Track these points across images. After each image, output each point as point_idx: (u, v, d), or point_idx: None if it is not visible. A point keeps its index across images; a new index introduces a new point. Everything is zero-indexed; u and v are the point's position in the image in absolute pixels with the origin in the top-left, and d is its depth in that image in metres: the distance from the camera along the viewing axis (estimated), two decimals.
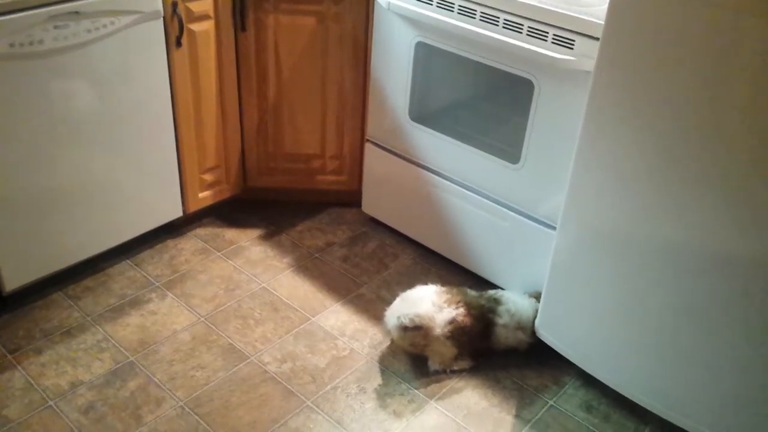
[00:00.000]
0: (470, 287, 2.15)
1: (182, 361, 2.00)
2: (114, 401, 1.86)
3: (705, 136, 1.47)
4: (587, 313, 1.85)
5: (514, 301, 2.05)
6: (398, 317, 1.91)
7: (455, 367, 2.00)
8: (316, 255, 2.47)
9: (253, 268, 2.37)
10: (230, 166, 2.49)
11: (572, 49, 1.80)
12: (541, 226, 2.07)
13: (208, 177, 2.44)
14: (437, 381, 1.99)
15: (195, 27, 2.17)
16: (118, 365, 1.97)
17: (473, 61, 2.05)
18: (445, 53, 2.11)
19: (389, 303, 2.08)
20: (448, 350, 1.96)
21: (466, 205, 2.25)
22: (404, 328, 1.91)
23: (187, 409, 1.85)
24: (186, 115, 2.26)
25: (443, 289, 2.04)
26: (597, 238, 1.75)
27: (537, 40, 1.86)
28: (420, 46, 2.17)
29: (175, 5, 2.07)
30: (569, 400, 1.96)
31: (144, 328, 2.10)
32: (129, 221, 2.27)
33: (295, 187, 2.61)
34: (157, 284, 2.27)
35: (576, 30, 1.78)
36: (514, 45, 1.90)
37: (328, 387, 1.95)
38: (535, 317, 2.01)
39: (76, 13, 1.86)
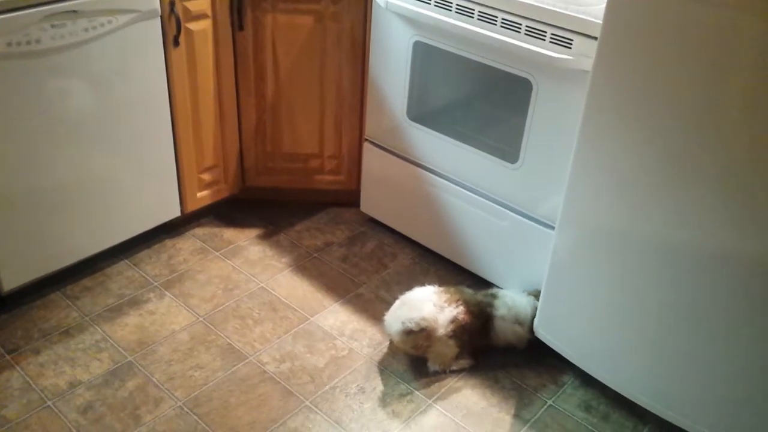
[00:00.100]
0: (469, 287, 2.15)
1: (181, 361, 1.99)
2: (112, 401, 1.86)
3: (704, 135, 1.47)
4: (586, 312, 1.85)
5: (511, 297, 2.06)
6: (403, 322, 1.91)
7: (454, 367, 2.00)
8: (315, 255, 2.46)
9: (252, 268, 2.37)
10: (228, 166, 2.49)
11: (570, 48, 1.80)
12: (540, 225, 2.07)
13: (207, 177, 2.43)
14: (436, 381, 1.98)
15: (192, 26, 2.16)
16: (116, 365, 1.97)
17: (471, 60, 2.05)
18: (444, 53, 2.11)
19: (388, 303, 2.08)
20: (450, 350, 1.96)
21: (465, 204, 2.25)
22: (408, 332, 1.91)
23: (185, 409, 1.85)
24: (184, 114, 2.25)
25: (441, 289, 2.04)
26: (596, 238, 1.75)
27: (535, 39, 1.86)
28: (418, 46, 2.17)
29: (172, 4, 2.07)
30: (568, 399, 1.96)
31: (142, 328, 2.10)
32: (127, 221, 2.27)
33: (294, 186, 2.60)
34: (156, 284, 2.27)
35: (574, 29, 1.78)
36: (512, 44, 1.89)
37: (327, 387, 1.95)
38: (533, 314, 2.02)
39: (74, 12, 1.86)
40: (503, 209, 2.15)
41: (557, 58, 1.81)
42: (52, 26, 1.83)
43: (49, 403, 1.85)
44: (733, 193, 1.47)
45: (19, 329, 2.06)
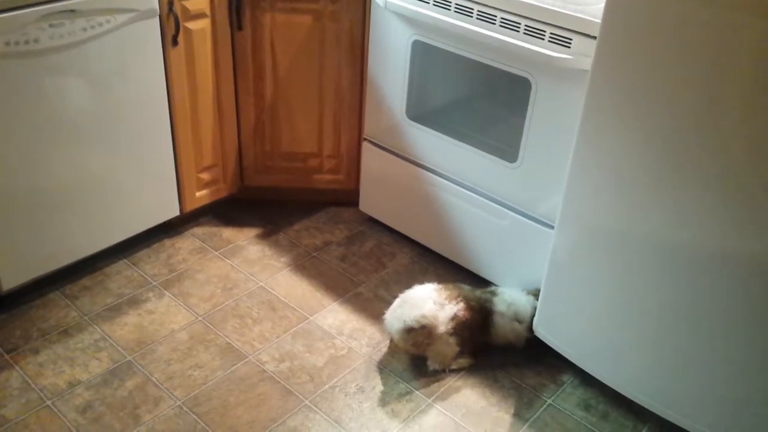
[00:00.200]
0: (466, 284, 2.15)
1: (180, 360, 1.99)
2: (112, 401, 1.86)
3: (703, 135, 1.47)
4: (585, 311, 1.85)
5: (510, 294, 2.07)
6: (404, 320, 1.91)
7: (454, 366, 2.01)
8: (314, 254, 2.46)
9: (251, 267, 2.37)
10: (227, 165, 2.49)
11: (569, 47, 1.80)
12: (539, 225, 2.07)
13: (205, 176, 2.43)
14: (436, 380, 1.99)
15: (191, 25, 2.16)
16: (115, 365, 1.97)
17: (470, 59, 2.05)
18: (442, 52, 2.11)
19: (387, 302, 2.08)
20: (450, 349, 1.96)
21: (464, 204, 2.25)
22: (410, 330, 1.91)
23: (185, 408, 1.85)
24: (182, 114, 2.25)
25: (440, 286, 2.04)
26: (595, 237, 1.75)
27: (534, 38, 1.86)
28: (417, 45, 2.16)
29: (171, 3, 2.07)
30: (567, 398, 1.96)
31: (141, 327, 2.10)
32: (126, 220, 2.26)
33: (293, 186, 2.60)
34: (155, 283, 2.27)
35: (573, 29, 1.78)
36: (512, 44, 1.89)
37: (327, 386, 1.95)
38: (532, 312, 2.02)
39: (72, 11, 1.86)
40: (502, 208, 2.15)
41: (556, 57, 1.81)
42: (50, 26, 1.83)
43: (48, 402, 1.84)
44: (732, 192, 1.47)
45: (18, 329, 2.06)
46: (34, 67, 1.84)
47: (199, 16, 2.17)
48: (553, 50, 1.83)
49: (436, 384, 1.97)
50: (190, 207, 2.43)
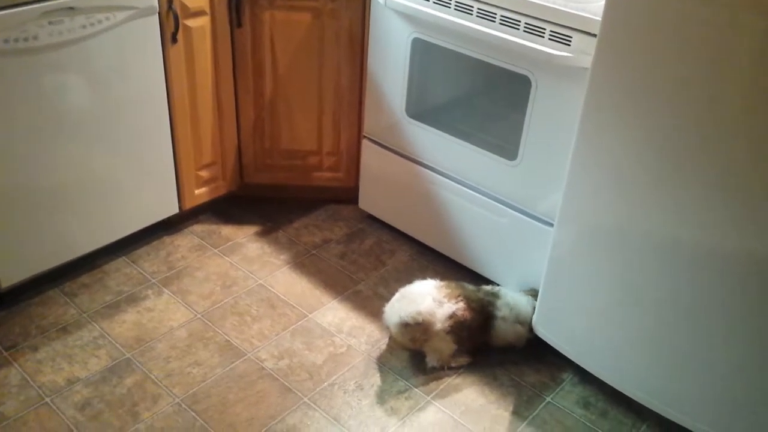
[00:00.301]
0: (468, 284, 2.15)
1: (179, 357, 1.99)
2: (110, 398, 1.86)
3: (703, 133, 1.47)
4: (585, 309, 1.85)
5: (512, 296, 2.06)
6: (400, 315, 1.91)
7: (453, 364, 2.00)
8: (313, 252, 2.46)
9: (250, 265, 2.37)
10: (227, 163, 2.49)
11: (569, 45, 1.80)
12: (539, 223, 2.07)
13: (205, 174, 2.43)
14: (435, 378, 1.99)
15: (191, 23, 2.16)
16: (114, 362, 1.97)
17: (470, 57, 2.04)
18: (442, 50, 2.11)
19: (386, 300, 2.07)
20: (447, 346, 1.96)
21: (464, 201, 2.25)
22: (405, 325, 1.91)
23: (184, 405, 1.85)
24: (182, 111, 2.25)
25: (442, 283, 2.04)
26: (594, 235, 1.75)
27: (534, 36, 1.86)
28: (417, 43, 2.16)
29: (170, 1, 2.06)
30: (566, 396, 1.96)
31: (140, 324, 2.10)
32: (125, 218, 2.26)
33: (292, 183, 2.60)
34: (154, 281, 2.27)
35: (573, 26, 1.77)
36: (511, 41, 1.89)
37: (326, 384, 1.95)
38: (533, 313, 2.02)
39: (71, 8, 1.86)
40: (502, 206, 2.15)
41: (556, 55, 1.81)
42: (50, 23, 1.83)
43: (47, 399, 1.84)
44: (732, 191, 1.47)
45: (17, 326, 2.06)
46: (33, 64, 1.84)
47: (199, 13, 2.17)
48: (553, 48, 1.83)
49: (435, 381, 1.97)
50: (189, 204, 2.43)
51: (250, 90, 2.40)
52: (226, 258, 2.40)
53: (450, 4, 2.00)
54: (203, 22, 2.19)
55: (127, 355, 1.99)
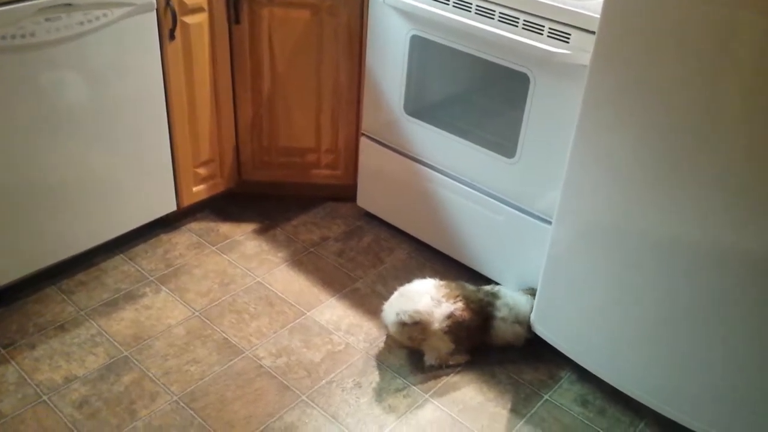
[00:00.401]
0: (466, 282, 2.15)
1: (177, 355, 1.99)
2: (108, 396, 1.85)
3: (701, 131, 1.47)
4: (583, 307, 1.85)
5: (511, 296, 2.06)
6: (397, 314, 1.91)
7: (451, 362, 2.00)
8: (311, 249, 2.46)
9: (248, 263, 2.37)
10: (224, 160, 2.48)
11: (568, 42, 1.79)
12: (537, 220, 2.07)
13: (203, 171, 2.43)
14: (433, 376, 1.98)
15: (188, 19, 2.15)
16: (112, 360, 1.96)
17: (469, 54, 2.04)
18: (441, 47, 2.10)
19: (384, 297, 2.07)
20: (445, 345, 1.96)
21: (462, 199, 2.24)
22: (403, 324, 1.91)
23: (181, 403, 1.85)
24: (180, 108, 2.25)
25: (441, 283, 2.04)
26: (592, 233, 1.75)
27: (533, 33, 1.86)
28: (415, 40, 2.16)
29: None
30: (564, 394, 1.96)
31: (138, 322, 2.09)
32: (122, 215, 2.26)
33: (290, 181, 2.60)
34: (151, 278, 2.26)
35: (572, 24, 1.77)
36: (510, 38, 1.89)
37: (324, 381, 1.94)
38: (532, 312, 2.02)
39: (68, 5, 1.85)
40: (500, 204, 2.15)
41: (555, 52, 1.81)
42: (47, 19, 1.82)
43: (45, 397, 1.84)
44: (730, 189, 1.47)
45: (14, 323, 2.06)
46: (30, 61, 1.83)
47: (197, 10, 2.16)
48: (551, 45, 1.82)
49: (433, 379, 1.97)
50: (187, 202, 2.43)
51: (248, 87, 2.39)
52: (224, 256, 2.39)
53: (448, 1, 2.00)
54: (201, 18, 2.18)
55: (125, 353, 1.99)
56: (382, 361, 2.03)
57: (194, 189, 2.43)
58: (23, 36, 1.79)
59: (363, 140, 2.46)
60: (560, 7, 1.78)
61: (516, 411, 1.90)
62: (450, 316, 1.93)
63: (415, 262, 2.43)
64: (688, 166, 1.51)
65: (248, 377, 1.94)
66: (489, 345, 2.05)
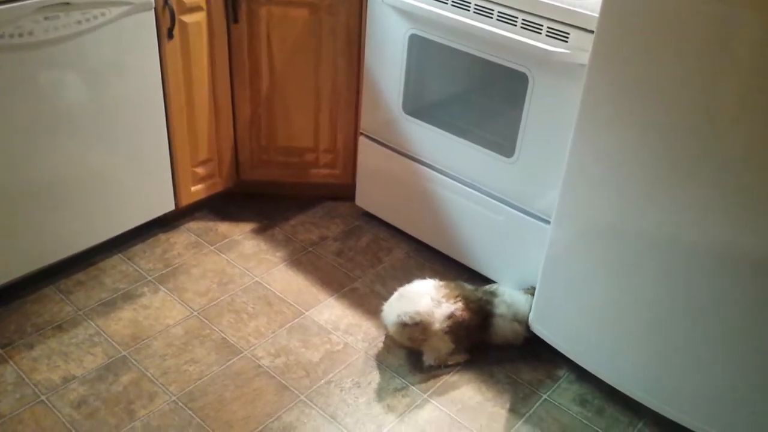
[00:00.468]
0: (465, 281, 2.15)
1: (175, 355, 1.99)
2: (107, 396, 1.85)
3: (700, 130, 1.47)
4: (581, 307, 1.85)
5: (510, 294, 2.06)
6: (398, 315, 1.91)
7: (450, 362, 2.00)
8: (310, 249, 2.46)
9: (247, 262, 2.36)
10: (223, 160, 2.48)
11: (567, 42, 1.79)
12: (536, 220, 2.07)
13: (201, 170, 2.42)
14: (431, 375, 1.98)
15: (187, 18, 2.15)
16: (110, 360, 1.96)
17: (467, 53, 2.04)
18: (439, 46, 2.10)
19: (383, 297, 2.07)
20: (445, 345, 1.96)
21: (461, 199, 2.24)
22: (404, 325, 1.91)
23: (180, 403, 1.85)
24: (178, 107, 2.24)
25: (441, 283, 2.04)
26: (591, 233, 1.75)
27: (531, 32, 1.86)
28: (414, 39, 2.16)
29: None
30: (563, 394, 1.96)
31: (136, 322, 2.09)
32: (121, 215, 2.25)
33: (289, 180, 2.59)
34: (150, 278, 2.26)
35: (570, 23, 1.77)
36: (509, 38, 1.89)
37: (322, 381, 1.94)
38: (531, 311, 2.01)
39: (66, 4, 1.84)
40: (499, 204, 2.15)
41: (553, 51, 1.80)
42: (45, 18, 1.82)
43: (43, 397, 1.84)
44: (729, 188, 1.47)
45: (12, 323, 2.05)
46: (28, 60, 1.83)
47: (195, 9, 2.16)
48: (550, 44, 1.82)
49: (431, 379, 1.97)
50: (185, 201, 2.42)
51: (247, 86, 2.39)
52: (223, 255, 2.39)
53: (447, 0, 2.00)
54: (199, 17, 2.18)
55: (123, 353, 1.99)
56: (380, 360, 2.03)
57: (193, 188, 2.43)
58: (21, 35, 1.78)
59: (362, 140, 2.46)
60: (559, 6, 1.78)
61: (515, 410, 1.90)
62: (450, 316, 1.93)
63: (414, 261, 2.43)
64: (687, 166, 1.51)
65: (247, 377, 1.94)
66: (488, 344, 2.05)
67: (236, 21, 2.27)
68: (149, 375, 1.92)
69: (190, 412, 1.82)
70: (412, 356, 2.03)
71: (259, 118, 2.45)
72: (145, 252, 2.37)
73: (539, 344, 2.01)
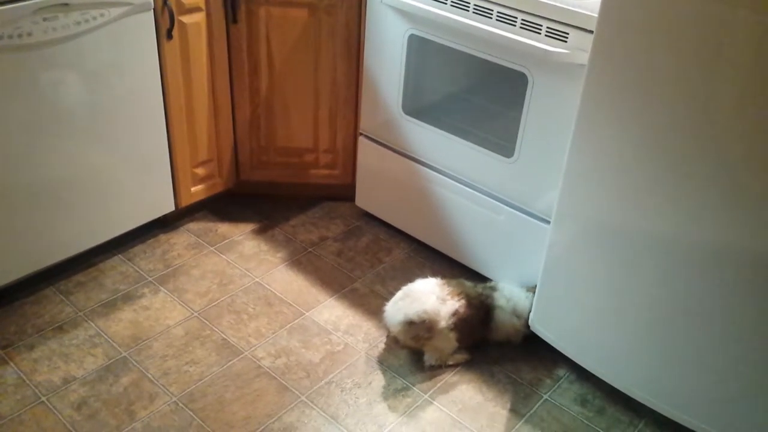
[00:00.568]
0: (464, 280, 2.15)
1: (175, 356, 1.99)
2: (107, 397, 1.85)
3: (699, 130, 1.47)
4: (581, 307, 1.85)
5: (509, 289, 2.08)
6: (405, 314, 1.91)
7: (450, 362, 2.00)
8: (310, 249, 2.46)
9: (247, 263, 2.36)
10: (223, 160, 2.48)
11: (566, 42, 1.79)
12: (536, 220, 2.07)
13: (201, 171, 2.42)
14: (432, 376, 1.98)
15: (186, 19, 2.15)
16: (110, 361, 1.96)
17: (467, 54, 2.04)
18: (439, 46, 2.10)
19: (383, 297, 2.07)
20: (449, 344, 1.96)
21: (461, 199, 2.24)
22: (410, 323, 1.91)
23: (180, 404, 1.85)
24: (177, 108, 2.24)
25: (443, 281, 2.04)
26: (591, 233, 1.75)
27: (531, 32, 1.85)
28: (413, 39, 2.16)
29: None
30: (564, 394, 1.96)
31: (137, 323, 2.09)
32: (121, 215, 2.25)
33: (289, 181, 2.59)
34: (150, 279, 2.26)
35: (570, 23, 1.77)
36: (508, 38, 1.89)
37: (323, 382, 1.94)
38: (530, 308, 2.02)
39: (65, 5, 1.84)
40: (499, 204, 2.15)
41: (553, 51, 1.80)
42: (44, 19, 1.81)
43: (44, 398, 1.84)
44: (728, 189, 1.47)
45: (12, 325, 2.05)
46: (28, 61, 1.83)
47: (194, 9, 2.16)
48: (549, 44, 1.82)
49: (432, 380, 1.97)
50: (185, 202, 2.42)
51: (246, 87, 2.39)
52: (223, 256, 2.39)
53: (446, 0, 2.00)
54: (198, 18, 2.18)
55: (124, 354, 1.99)
56: (381, 361, 2.03)
57: (192, 189, 2.43)
58: (20, 36, 1.78)
59: (361, 140, 2.46)
60: (558, 7, 1.78)
61: (515, 410, 1.90)
62: (455, 313, 1.94)
63: (414, 262, 2.43)
64: (686, 165, 1.51)
65: (247, 378, 1.94)
66: (489, 340, 2.05)
67: (235, 21, 2.26)
68: (150, 376, 1.92)
69: (191, 413, 1.82)
70: (412, 357, 2.03)
71: (259, 118, 2.45)
72: (145, 253, 2.37)
73: (539, 344, 2.01)
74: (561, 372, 2.02)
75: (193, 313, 2.14)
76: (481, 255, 2.27)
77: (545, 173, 1.98)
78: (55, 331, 2.04)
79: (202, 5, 2.17)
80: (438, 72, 2.27)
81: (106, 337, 2.04)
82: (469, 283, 2.08)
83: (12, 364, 1.93)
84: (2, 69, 1.79)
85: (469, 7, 1.96)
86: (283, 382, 1.93)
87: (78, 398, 1.84)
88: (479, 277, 2.27)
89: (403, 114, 2.28)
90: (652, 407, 1.80)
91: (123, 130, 2.13)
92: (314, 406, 1.87)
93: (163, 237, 2.45)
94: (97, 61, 1.98)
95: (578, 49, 1.77)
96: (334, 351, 2.04)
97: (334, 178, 2.59)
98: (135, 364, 1.96)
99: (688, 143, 1.49)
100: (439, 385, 1.96)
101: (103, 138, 2.09)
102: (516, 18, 1.87)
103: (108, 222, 2.23)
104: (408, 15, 2.12)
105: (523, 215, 2.10)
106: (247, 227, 2.54)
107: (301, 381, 1.94)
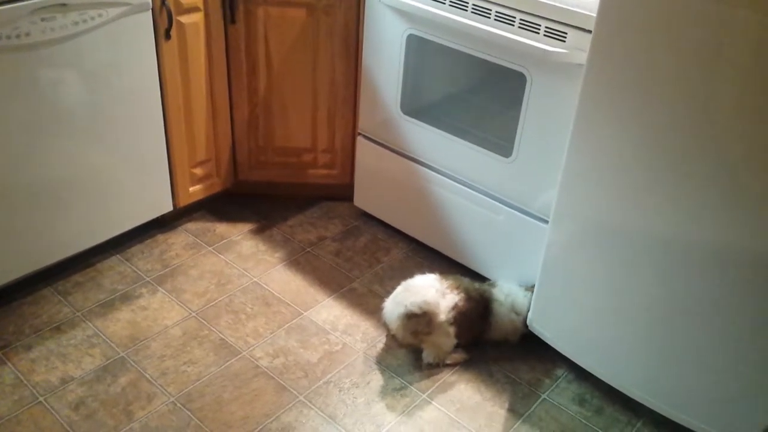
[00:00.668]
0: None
1: (173, 356, 1.99)
2: (105, 397, 1.85)
3: (698, 130, 1.47)
4: (580, 306, 1.85)
5: (508, 286, 2.09)
6: (406, 305, 1.91)
7: (449, 361, 2.00)
8: (308, 249, 2.46)
9: (245, 263, 2.36)
10: (221, 160, 2.48)
11: (564, 41, 1.79)
12: (534, 219, 2.07)
13: (199, 171, 2.42)
14: (430, 375, 1.98)
15: (184, 19, 2.15)
16: (108, 361, 1.96)
17: (465, 54, 2.04)
18: (437, 46, 2.10)
19: (382, 297, 2.07)
20: (449, 340, 1.96)
21: (459, 199, 2.24)
22: (410, 316, 1.91)
23: (178, 404, 1.84)
24: (176, 108, 2.24)
25: (442, 276, 2.05)
26: (589, 232, 1.75)
27: (529, 32, 1.86)
28: (411, 39, 2.16)
29: None
30: (562, 393, 1.96)
31: (135, 323, 2.09)
32: (118, 216, 2.25)
33: (287, 181, 2.59)
34: (148, 279, 2.26)
35: (568, 22, 1.77)
36: (506, 38, 1.89)
37: (321, 382, 1.94)
38: (528, 306, 2.02)
39: (63, 5, 1.84)
40: (497, 203, 2.15)
41: (551, 51, 1.80)
42: (42, 20, 1.81)
43: (41, 399, 1.83)
44: (727, 189, 1.47)
45: (10, 325, 2.05)
46: (25, 61, 1.83)
47: (192, 9, 2.15)
48: (548, 44, 1.82)
49: (430, 379, 1.97)
50: (183, 202, 2.42)
51: (244, 87, 2.39)
52: (221, 256, 2.39)
53: (445, 0, 2.00)
54: (197, 18, 2.18)
55: (122, 354, 1.98)
56: (379, 361, 2.02)
57: (190, 189, 2.42)
58: (18, 36, 1.78)
59: (360, 140, 2.46)
60: (557, 6, 1.78)
61: (513, 410, 1.90)
62: (454, 306, 1.94)
63: (413, 261, 2.43)
64: (684, 165, 1.51)
65: (245, 378, 1.94)
66: (487, 338, 2.05)
67: (233, 21, 2.26)
68: (147, 376, 1.92)
69: (189, 413, 1.82)
70: (411, 356, 2.03)
71: (257, 118, 2.45)
72: (143, 253, 2.37)
73: (538, 344, 2.01)
74: (559, 371, 2.03)
75: (191, 313, 2.14)
76: (480, 254, 2.27)
77: (544, 173, 1.98)
78: (53, 332, 2.04)
79: (201, 5, 2.17)
80: (436, 72, 2.27)
81: (103, 337, 2.03)
82: (466, 279, 2.10)
83: (10, 364, 1.93)
84: (1, 69, 1.79)
85: (467, 6, 1.96)
86: (281, 382, 1.93)
87: (76, 398, 1.84)
88: (478, 277, 2.27)
89: (402, 114, 2.28)
90: (650, 407, 1.80)
91: (121, 130, 2.13)
92: (312, 406, 1.87)
93: (161, 237, 2.45)
94: (96, 61, 1.97)
95: (577, 48, 1.77)
96: (333, 351, 2.04)
97: (332, 178, 2.59)
98: (133, 364, 1.95)
99: (688, 143, 1.49)
100: (437, 384, 1.96)
101: (102, 138, 2.09)
102: (514, 18, 1.87)
103: (106, 222, 2.22)
104: (407, 15, 2.12)
105: (522, 215, 2.10)
106: (246, 227, 2.54)
107: (299, 381, 1.94)
